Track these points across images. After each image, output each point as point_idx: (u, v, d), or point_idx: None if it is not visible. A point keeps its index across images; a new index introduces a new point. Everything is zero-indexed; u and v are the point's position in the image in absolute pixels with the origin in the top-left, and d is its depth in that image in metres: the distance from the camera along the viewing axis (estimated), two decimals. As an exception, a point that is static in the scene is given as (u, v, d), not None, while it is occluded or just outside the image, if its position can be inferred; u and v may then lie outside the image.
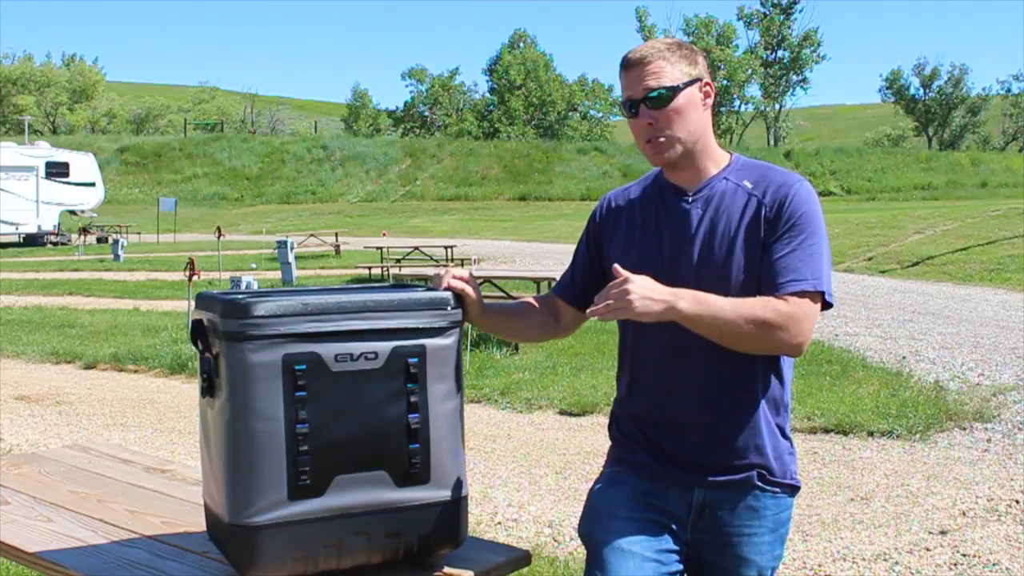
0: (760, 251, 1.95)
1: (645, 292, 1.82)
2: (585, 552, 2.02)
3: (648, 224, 2.06)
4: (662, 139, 1.97)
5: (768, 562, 2.03)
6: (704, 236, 1.98)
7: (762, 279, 1.94)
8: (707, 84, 2.02)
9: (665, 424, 2.01)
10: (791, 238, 1.93)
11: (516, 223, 33.04)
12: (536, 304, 2.24)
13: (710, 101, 2.03)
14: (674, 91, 1.96)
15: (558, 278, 2.31)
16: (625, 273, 1.85)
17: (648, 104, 1.96)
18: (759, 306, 1.88)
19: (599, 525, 1.97)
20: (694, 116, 1.99)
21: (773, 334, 1.88)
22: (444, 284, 1.99)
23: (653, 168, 2.13)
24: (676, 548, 1.98)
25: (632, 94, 1.98)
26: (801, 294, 1.90)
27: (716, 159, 2.05)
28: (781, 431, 2.04)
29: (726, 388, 1.98)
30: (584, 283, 2.18)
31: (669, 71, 1.96)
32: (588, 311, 1.91)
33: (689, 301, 1.85)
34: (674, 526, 1.99)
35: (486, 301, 2.11)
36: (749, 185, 2.00)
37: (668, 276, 1.95)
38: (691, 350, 1.97)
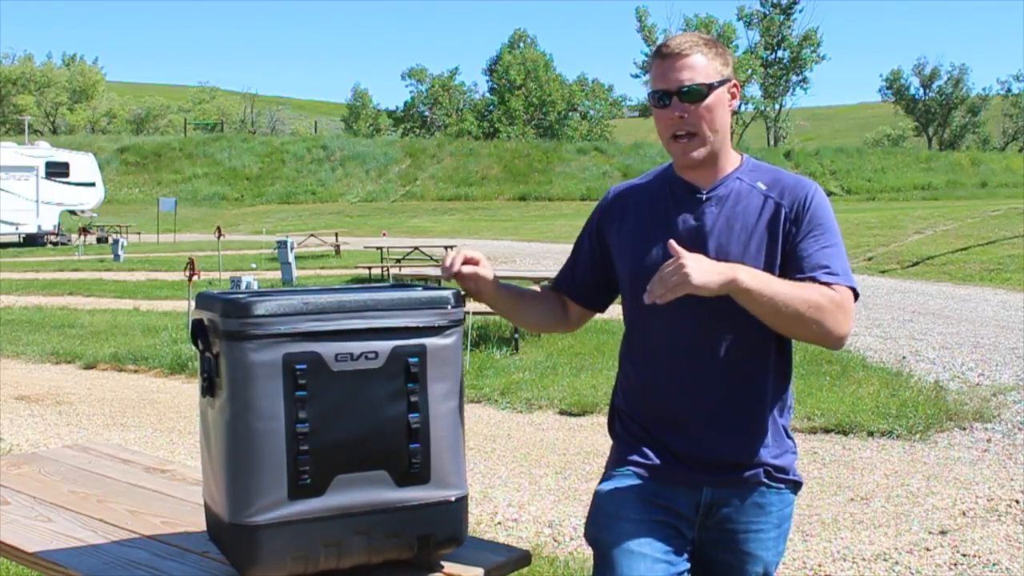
0: (780, 253, 1.96)
1: (702, 265, 1.78)
2: (592, 553, 2.00)
3: (659, 219, 2.03)
4: (690, 137, 1.96)
5: (772, 557, 2.05)
6: (720, 234, 1.97)
7: (791, 274, 1.93)
8: (735, 85, 2.01)
9: (673, 423, 2.01)
10: (817, 236, 1.96)
11: (516, 223, 33.03)
12: (548, 294, 2.23)
13: (735, 103, 2.02)
14: (709, 88, 1.95)
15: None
16: (679, 250, 1.80)
17: (681, 98, 1.94)
18: (813, 290, 1.88)
19: (608, 527, 1.96)
20: (721, 115, 1.98)
21: (825, 319, 1.87)
22: (455, 269, 1.96)
23: (658, 166, 2.14)
24: (685, 548, 1.99)
25: (666, 85, 1.96)
26: (840, 287, 1.92)
27: (731, 159, 2.05)
28: (785, 431, 2.06)
29: (736, 388, 1.98)
30: (585, 279, 2.18)
31: (704, 67, 1.95)
32: (646, 299, 1.81)
33: (749, 274, 1.83)
34: (682, 526, 1.99)
35: (501, 282, 2.09)
36: (763, 187, 2.01)
37: None
38: (702, 349, 1.98)
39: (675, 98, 1.95)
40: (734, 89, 2.01)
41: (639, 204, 2.09)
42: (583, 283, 2.18)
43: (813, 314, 1.86)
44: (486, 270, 2.01)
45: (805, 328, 1.88)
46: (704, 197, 2.01)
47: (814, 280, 1.91)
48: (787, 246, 1.96)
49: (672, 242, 1.83)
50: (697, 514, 2.00)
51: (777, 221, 1.97)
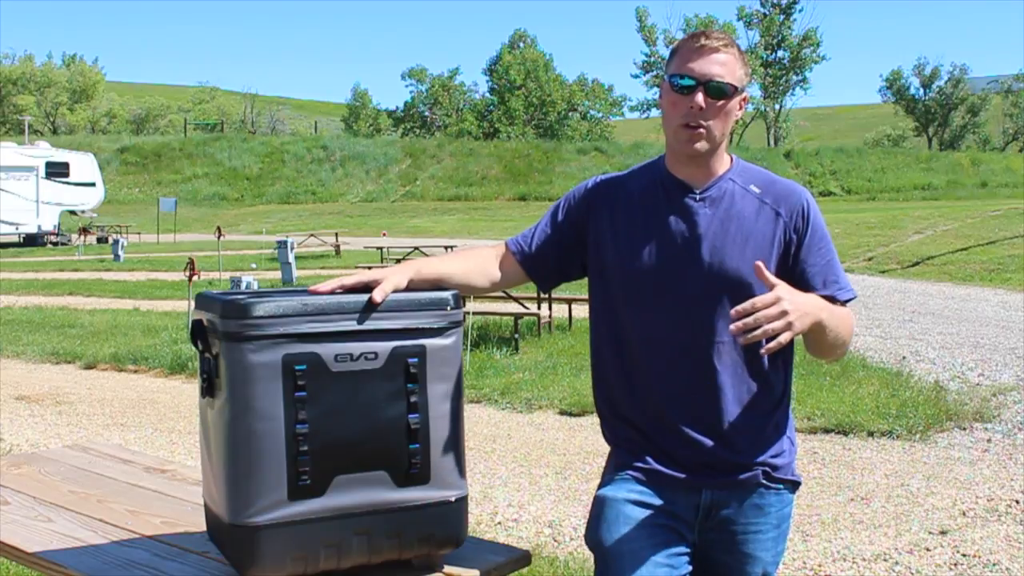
0: (779, 261, 1.98)
1: (802, 310, 1.78)
2: (592, 556, 1.99)
3: (650, 217, 2.02)
4: (702, 130, 1.96)
5: (772, 558, 2.05)
6: (715, 236, 1.97)
7: (799, 286, 1.94)
8: (744, 99, 2.02)
9: (671, 427, 1.99)
10: (820, 247, 2.02)
11: (516, 223, 33.00)
12: (475, 255, 2.16)
13: (740, 114, 2.03)
14: (734, 91, 1.96)
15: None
16: (774, 281, 1.78)
17: (708, 91, 1.93)
18: (848, 318, 2.01)
19: (608, 532, 1.95)
20: (730, 121, 2.00)
21: (848, 341, 2.03)
22: (380, 298, 1.82)
23: (641, 162, 2.13)
24: (685, 551, 1.98)
25: (695, 74, 1.94)
26: (846, 302, 2.03)
27: (723, 161, 2.05)
28: (784, 431, 2.05)
29: (736, 390, 1.97)
30: (541, 250, 2.13)
31: (734, 69, 1.96)
32: (732, 329, 1.74)
33: (828, 312, 1.91)
34: (682, 529, 1.98)
35: (423, 262, 2.03)
36: (756, 190, 2.02)
37: (674, 272, 1.96)
38: (701, 353, 1.96)
39: (701, 88, 1.93)
40: (743, 101, 2.02)
41: (630, 199, 2.06)
42: (537, 251, 2.13)
43: (847, 339, 2.01)
44: (397, 280, 1.90)
45: (835, 351, 2.01)
46: (698, 197, 2.01)
47: (834, 299, 1.99)
48: (789, 256, 1.99)
49: (763, 269, 1.81)
50: (697, 516, 2.00)
51: (775, 228, 1.99)
